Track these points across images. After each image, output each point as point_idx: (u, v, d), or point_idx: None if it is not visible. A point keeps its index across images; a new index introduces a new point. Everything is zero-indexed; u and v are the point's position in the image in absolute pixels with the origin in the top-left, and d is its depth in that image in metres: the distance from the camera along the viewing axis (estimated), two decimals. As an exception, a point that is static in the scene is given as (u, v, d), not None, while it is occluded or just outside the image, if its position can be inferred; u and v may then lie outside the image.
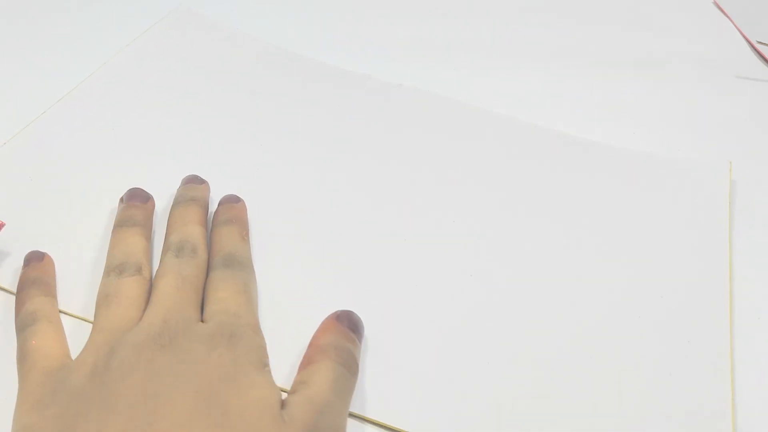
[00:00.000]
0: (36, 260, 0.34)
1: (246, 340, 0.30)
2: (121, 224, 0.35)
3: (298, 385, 0.29)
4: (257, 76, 0.48)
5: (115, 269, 0.33)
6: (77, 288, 0.34)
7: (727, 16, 0.62)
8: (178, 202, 0.37)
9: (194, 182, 0.38)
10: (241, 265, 0.34)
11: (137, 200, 0.36)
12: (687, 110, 0.50)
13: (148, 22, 0.52)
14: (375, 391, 0.31)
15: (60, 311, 0.33)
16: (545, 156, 0.44)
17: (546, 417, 0.31)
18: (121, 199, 0.37)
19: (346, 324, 0.32)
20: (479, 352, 0.33)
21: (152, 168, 0.40)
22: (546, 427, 0.30)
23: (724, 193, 0.42)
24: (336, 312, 0.32)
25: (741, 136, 0.48)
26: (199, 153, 0.42)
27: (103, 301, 0.32)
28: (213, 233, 0.36)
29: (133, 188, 0.37)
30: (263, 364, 0.29)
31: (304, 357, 0.31)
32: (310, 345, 0.31)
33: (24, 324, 0.31)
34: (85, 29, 0.51)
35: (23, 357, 0.30)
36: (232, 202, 0.37)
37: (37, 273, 0.33)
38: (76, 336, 0.32)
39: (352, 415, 0.30)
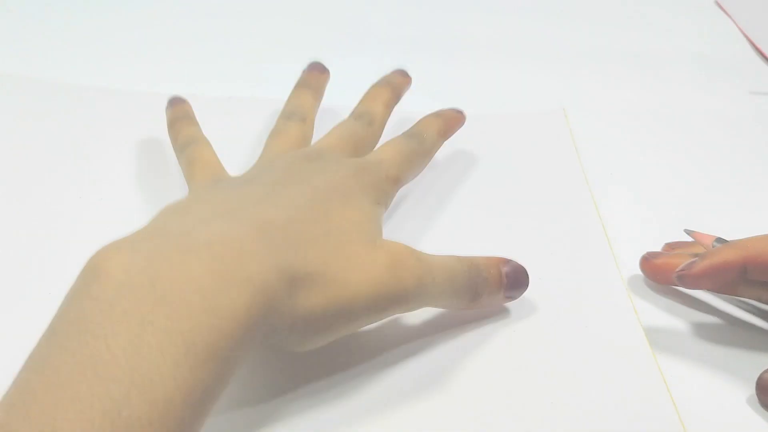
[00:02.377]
0: (179, 102, 0.40)
1: (375, 178, 0.33)
2: (297, 86, 0.41)
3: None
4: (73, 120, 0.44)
5: (284, 115, 0.39)
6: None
7: (729, 16, 0.62)
8: (377, 83, 0.41)
9: (398, 74, 0.42)
10: (421, 143, 0.37)
11: (315, 71, 0.42)
12: (688, 110, 0.50)
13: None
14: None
15: None
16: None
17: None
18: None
19: (507, 269, 0.33)
20: None
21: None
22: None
23: (568, 141, 0.45)
24: (509, 260, 0.33)
25: (741, 135, 0.48)
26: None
27: (271, 135, 0.38)
28: (417, 122, 0.39)
29: (313, 62, 0.43)
30: (377, 202, 0.33)
31: None
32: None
33: (186, 143, 0.37)
34: None
35: (191, 163, 0.36)
36: (455, 110, 0.41)
37: (183, 109, 0.40)
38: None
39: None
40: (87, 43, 0.53)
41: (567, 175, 0.43)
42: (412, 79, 0.42)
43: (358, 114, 0.39)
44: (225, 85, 0.49)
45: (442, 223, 0.39)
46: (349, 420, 0.29)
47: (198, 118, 0.39)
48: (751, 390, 0.31)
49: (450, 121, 0.40)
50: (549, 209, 0.40)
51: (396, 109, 0.41)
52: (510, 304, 0.34)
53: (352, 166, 0.33)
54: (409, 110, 0.42)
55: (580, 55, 0.55)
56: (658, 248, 0.37)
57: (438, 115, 0.40)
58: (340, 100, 0.42)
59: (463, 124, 0.41)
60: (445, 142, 0.40)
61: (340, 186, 0.31)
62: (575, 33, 0.58)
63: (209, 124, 0.39)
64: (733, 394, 0.31)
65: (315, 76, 0.42)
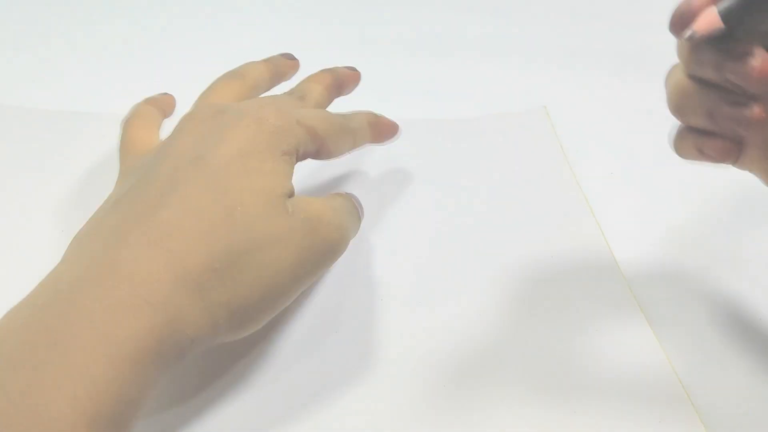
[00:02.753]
0: (162, 94, 0.39)
1: (278, 123, 0.30)
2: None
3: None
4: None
5: (222, 76, 0.35)
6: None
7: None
8: (321, 70, 0.38)
9: (347, 68, 0.39)
10: (347, 118, 0.35)
11: (284, 56, 0.38)
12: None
13: None
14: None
15: None
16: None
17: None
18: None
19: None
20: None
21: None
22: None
23: (552, 139, 0.45)
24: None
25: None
26: None
27: (200, 96, 0.34)
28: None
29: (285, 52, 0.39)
30: (284, 152, 0.29)
31: None
32: None
33: (125, 119, 0.36)
34: None
35: (122, 144, 0.34)
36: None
37: (156, 98, 0.38)
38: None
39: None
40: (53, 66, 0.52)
41: (556, 173, 0.43)
42: (361, 75, 0.39)
43: (290, 90, 0.35)
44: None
45: (436, 229, 0.39)
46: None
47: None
48: (763, 378, 0.31)
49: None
50: (542, 210, 0.40)
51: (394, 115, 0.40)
52: (516, 309, 0.34)
53: (253, 109, 0.30)
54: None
55: (580, 56, 0.55)
56: (653, 247, 0.37)
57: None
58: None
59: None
60: (431, 149, 0.41)
61: (239, 148, 0.28)
62: (575, 33, 0.58)
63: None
64: (745, 382, 0.32)
65: (282, 59, 0.38)
